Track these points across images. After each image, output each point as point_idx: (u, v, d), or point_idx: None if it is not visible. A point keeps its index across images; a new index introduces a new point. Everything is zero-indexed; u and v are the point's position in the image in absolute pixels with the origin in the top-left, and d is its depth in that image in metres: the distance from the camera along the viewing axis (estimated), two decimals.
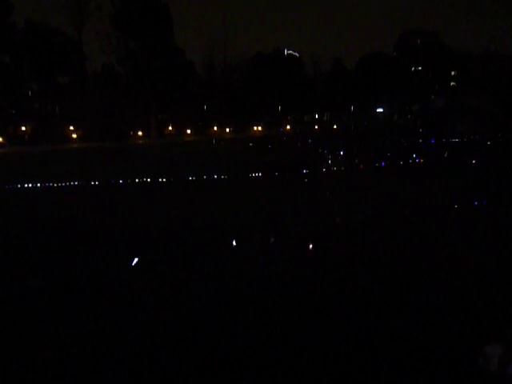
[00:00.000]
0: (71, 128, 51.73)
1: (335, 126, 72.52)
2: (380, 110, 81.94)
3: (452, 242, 5.65)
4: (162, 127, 60.11)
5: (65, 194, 11.23)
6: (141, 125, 56.35)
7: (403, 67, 78.43)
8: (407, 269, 4.73)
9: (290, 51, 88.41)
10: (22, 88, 51.14)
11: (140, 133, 56.54)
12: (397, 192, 9.54)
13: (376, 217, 7.20)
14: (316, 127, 75.03)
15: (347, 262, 4.99)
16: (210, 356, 3.15)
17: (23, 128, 50.98)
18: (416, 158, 16.66)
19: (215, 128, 67.24)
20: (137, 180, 13.27)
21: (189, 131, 60.83)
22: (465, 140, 27.17)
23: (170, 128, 64.91)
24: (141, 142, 47.73)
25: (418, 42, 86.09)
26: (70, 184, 12.92)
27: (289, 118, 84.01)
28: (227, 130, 67.83)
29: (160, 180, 13.01)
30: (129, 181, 13.12)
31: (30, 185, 12.65)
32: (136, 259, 5.17)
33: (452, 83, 76.56)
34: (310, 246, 5.55)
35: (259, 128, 71.31)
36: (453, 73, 78.25)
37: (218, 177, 13.39)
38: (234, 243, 5.79)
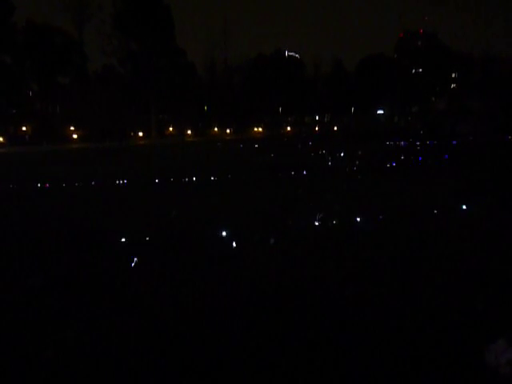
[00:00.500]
0: (72, 128, 51.83)
1: (336, 128, 72.58)
2: (380, 111, 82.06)
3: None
4: (162, 128, 60.20)
5: (65, 194, 11.23)
6: (141, 125, 56.46)
7: (404, 69, 78.57)
8: (407, 268, 4.74)
9: (290, 52, 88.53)
10: (22, 88, 51.23)
11: (140, 133, 56.64)
12: (396, 192, 9.55)
13: (376, 216, 7.20)
14: (316, 128, 75.11)
15: (347, 262, 4.99)
16: (209, 356, 3.15)
17: (24, 128, 51.09)
18: (413, 159, 16.70)
19: (216, 129, 67.32)
20: (137, 180, 13.28)
21: (189, 132, 60.92)
22: (464, 141, 27.19)
23: (171, 129, 65.01)
24: (141, 142, 47.76)
25: (419, 43, 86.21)
26: (69, 184, 12.93)
27: (289, 119, 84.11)
28: (227, 130, 67.91)
29: (159, 180, 13.01)
30: (129, 181, 13.13)
31: (30, 184, 12.66)
32: (135, 259, 5.17)
33: (452, 85, 76.66)
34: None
35: (259, 129, 71.40)
36: (453, 75, 78.36)
37: (218, 177, 13.40)
38: (234, 244, 5.79)
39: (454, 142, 26.41)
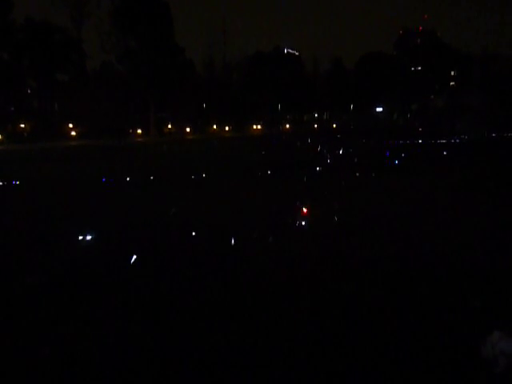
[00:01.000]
0: (70, 126, 51.67)
1: (334, 125, 72.52)
2: (379, 109, 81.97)
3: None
4: (161, 125, 60.04)
5: (64, 192, 11.20)
6: (140, 123, 56.31)
7: (403, 66, 78.46)
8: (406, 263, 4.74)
9: (289, 50, 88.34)
10: (21, 85, 51.03)
11: (139, 131, 56.49)
12: (394, 188, 9.55)
13: (376, 215, 7.20)
14: (315, 126, 75.01)
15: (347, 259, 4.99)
16: (209, 356, 3.14)
17: (22, 125, 50.89)
18: (408, 157, 16.71)
19: (214, 126, 67.21)
20: (136, 178, 13.25)
21: (188, 129, 60.77)
22: (463, 139, 27.19)
23: (170, 126, 64.87)
24: (140, 140, 47.66)
25: (418, 41, 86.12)
26: (68, 181, 12.90)
27: (288, 116, 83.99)
28: (226, 128, 67.80)
29: (157, 178, 13.00)
30: (128, 179, 13.10)
31: (30, 182, 12.63)
32: (134, 256, 5.15)
33: (451, 83, 76.58)
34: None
35: (258, 127, 71.30)
36: (452, 72, 78.28)
37: (217, 175, 13.38)
38: (233, 241, 5.78)
39: (453, 140, 26.41)
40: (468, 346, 3.02)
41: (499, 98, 40.27)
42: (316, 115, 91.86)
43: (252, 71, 70.45)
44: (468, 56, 74.25)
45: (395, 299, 3.94)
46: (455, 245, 5.49)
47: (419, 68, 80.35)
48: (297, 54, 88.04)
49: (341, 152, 20.65)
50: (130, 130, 55.25)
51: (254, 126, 70.85)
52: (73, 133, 50.48)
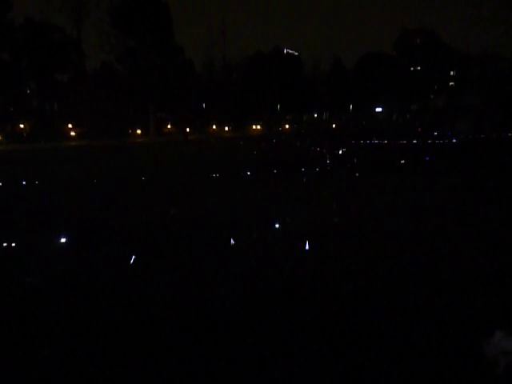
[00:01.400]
0: (70, 126, 51.64)
1: (334, 126, 72.53)
2: (379, 109, 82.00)
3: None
4: (160, 126, 60.05)
5: (63, 192, 11.18)
6: (140, 123, 56.32)
7: (402, 67, 78.50)
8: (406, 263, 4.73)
9: (289, 50, 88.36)
10: (20, 85, 50.99)
11: (139, 131, 56.51)
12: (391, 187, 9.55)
13: (374, 215, 7.20)
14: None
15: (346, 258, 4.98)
16: (208, 356, 3.13)
17: (21, 125, 50.85)
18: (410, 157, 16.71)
19: (214, 127, 67.21)
20: (135, 177, 13.25)
21: (188, 130, 60.73)
22: (463, 139, 27.21)
23: (169, 126, 64.88)
24: (140, 140, 47.65)
25: (418, 41, 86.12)
26: (68, 181, 12.89)
27: (288, 117, 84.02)
28: (226, 128, 67.81)
29: (156, 178, 12.99)
30: (128, 178, 13.10)
31: (29, 182, 12.61)
32: (134, 257, 5.14)
33: (451, 83, 76.63)
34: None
35: (258, 127, 71.31)
36: (452, 73, 78.32)
37: (217, 175, 13.37)
38: (232, 242, 5.77)
39: (454, 140, 26.43)
40: (469, 346, 3.01)
41: (498, 98, 40.29)
42: (316, 115, 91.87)
43: (252, 71, 70.47)
44: (467, 56, 74.28)
45: (394, 299, 3.93)
46: (454, 244, 5.49)
47: (419, 68, 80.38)
48: (296, 54, 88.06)
49: (340, 152, 20.66)
50: (130, 131, 55.22)
51: (254, 126, 70.86)
52: (72, 133, 50.45)
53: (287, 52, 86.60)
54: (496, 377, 2.67)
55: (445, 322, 3.48)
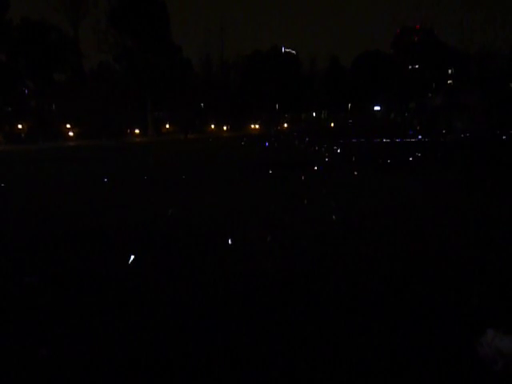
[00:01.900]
0: (68, 126, 51.58)
1: (332, 124, 72.59)
2: (377, 107, 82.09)
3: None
4: (159, 125, 60.01)
5: (61, 192, 11.18)
6: (138, 123, 56.29)
7: (400, 65, 78.58)
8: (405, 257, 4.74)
9: (287, 49, 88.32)
10: (18, 86, 50.91)
11: (137, 131, 56.48)
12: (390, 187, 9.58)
13: (373, 214, 7.21)
14: (314, 126, 75.10)
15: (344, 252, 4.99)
16: (207, 357, 3.13)
17: (19, 126, 50.76)
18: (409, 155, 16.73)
19: (212, 126, 67.20)
20: (134, 177, 13.26)
21: (186, 129, 60.70)
22: (461, 137, 27.27)
23: (168, 126, 64.84)
24: (138, 140, 47.62)
25: (415, 39, 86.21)
26: (67, 181, 12.89)
27: (286, 116, 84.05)
28: (224, 127, 67.80)
29: (154, 178, 12.99)
30: (127, 178, 13.09)
31: (26, 182, 12.61)
32: (132, 257, 5.14)
33: (449, 81, 76.72)
34: None
35: (256, 126, 71.34)
36: (450, 71, 78.44)
37: (214, 174, 13.38)
38: (230, 241, 5.78)
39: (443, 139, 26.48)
40: (467, 346, 3.02)
41: (496, 96, 40.33)
42: (314, 114, 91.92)
43: (250, 70, 70.44)
44: (465, 54, 74.39)
45: (394, 298, 3.94)
46: (453, 243, 5.50)
47: (416, 66, 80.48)
48: (294, 52, 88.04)
49: (339, 151, 20.68)
50: (128, 130, 55.20)
51: (252, 126, 70.87)
52: (70, 133, 50.40)
53: (285, 51, 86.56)
54: (492, 376, 2.68)
55: (442, 320, 3.49)
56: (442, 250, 5.21)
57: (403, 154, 17.60)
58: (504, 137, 25.98)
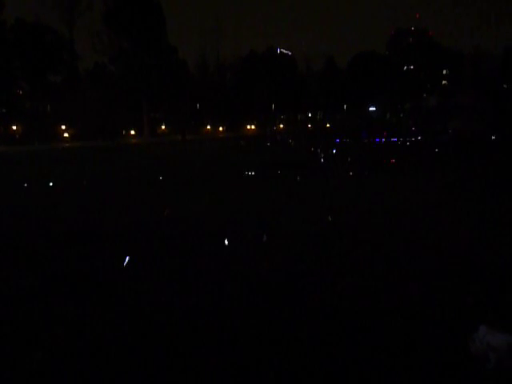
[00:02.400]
0: (63, 127, 51.38)
1: (328, 125, 72.72)
2: (373, 108, 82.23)
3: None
4: (154, 126, 59.87)
5: (57, 194, 11.13)
6: (133, 124, 56.16)
7: (395, 66, 78.76)
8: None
9: (283, 50, 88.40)
10: (12, 87, 50.63)
11: (132, 132, 56.35)
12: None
13: (370, 214, 7.24)
14: (309, 126, 75.23)
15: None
16: (206, 357, 3.14)
17: (14, 127, 50.49)
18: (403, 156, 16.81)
19: (208, 127, 67.15)
20: (130, 178, 13.23)
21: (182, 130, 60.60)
22: (454, 137, 27.40)
23: (163, 127, 64.73)
24: (134, 141, 47.50)
25: (410, 40, 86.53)
26: (62, 183, 12.84)
27: (282, 116, 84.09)
28: (220, 128, 67.78)
29: (152, 178, 12.97)
30: (123, 179, 13.06)
31: (21, 184, 12.54)
32: (127, 258, 5.14)
33: (444, 82, 77.08)
34: None
35: (252, 127, 71.36)
36: (444, 71, 78.77)
37: (210, 175, 13.38)
38: (226, 242, 5.79)
39: (445, 139, 26.61)
40: (462, 343, 3.05)
41: (491, 96, 40.59)
42: (310, 115, 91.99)
43: (245, 71, 70.42)
44: (459, 54, 74.72)
45: (392, 298, 3.96)
46: (452, 243, 5.54)
47: (411, 67, 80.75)
48: (290, 53, 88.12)
49: (334, 152, 20.73)
50: (124, 131, 55.07)
51: (248, 126, 70.88)
52: (66, 134, 50.20)
53: (281, 52, 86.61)
54: (486, 373, 2.71)
55: (440, 319, 3.52)
56: (435, 247, 5.25)
57: (398, 154, 17.66)
58: (493, 137, 26.16)
